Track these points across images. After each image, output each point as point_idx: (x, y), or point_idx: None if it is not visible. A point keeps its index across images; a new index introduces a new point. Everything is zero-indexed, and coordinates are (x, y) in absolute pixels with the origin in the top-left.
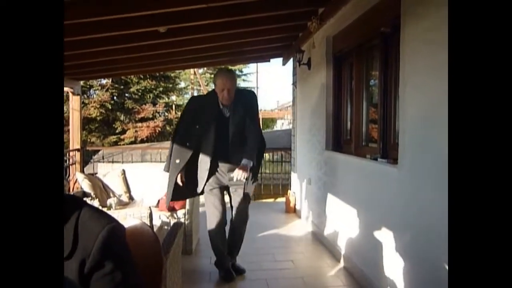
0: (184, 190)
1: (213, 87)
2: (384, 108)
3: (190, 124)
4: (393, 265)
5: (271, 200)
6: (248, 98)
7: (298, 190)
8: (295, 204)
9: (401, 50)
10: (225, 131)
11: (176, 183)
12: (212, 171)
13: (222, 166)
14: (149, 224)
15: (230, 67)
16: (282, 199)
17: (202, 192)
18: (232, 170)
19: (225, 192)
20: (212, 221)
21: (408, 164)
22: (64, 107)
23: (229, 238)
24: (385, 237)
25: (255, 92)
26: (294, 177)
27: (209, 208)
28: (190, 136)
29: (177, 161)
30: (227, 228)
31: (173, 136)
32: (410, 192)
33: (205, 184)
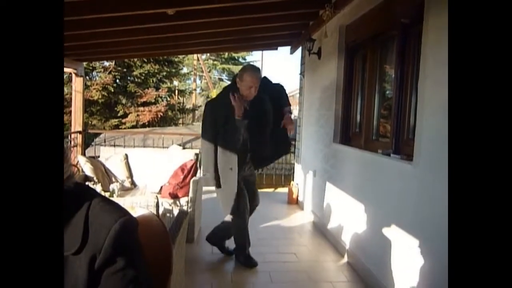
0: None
1: (213, 74)
2: (398, 102)
3: (223, 131)
4: (402, 264)
5: (271, 190)
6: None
7: (302, 181)
8: (297, 196)
9: (422, 41)
10: (250, 125)
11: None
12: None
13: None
14: (155, 213)
15: (233, 54)
16: (283, 190)
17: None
18: (249, 160)
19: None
20: (242, 210)
21: (425, 161)
22: (66, 88)
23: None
24: (395, 235)
25: None
26: (298, 168)
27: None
28: (228, 142)
29: (231, 168)
30: None
31: (209, 145)
32: (425, 190)
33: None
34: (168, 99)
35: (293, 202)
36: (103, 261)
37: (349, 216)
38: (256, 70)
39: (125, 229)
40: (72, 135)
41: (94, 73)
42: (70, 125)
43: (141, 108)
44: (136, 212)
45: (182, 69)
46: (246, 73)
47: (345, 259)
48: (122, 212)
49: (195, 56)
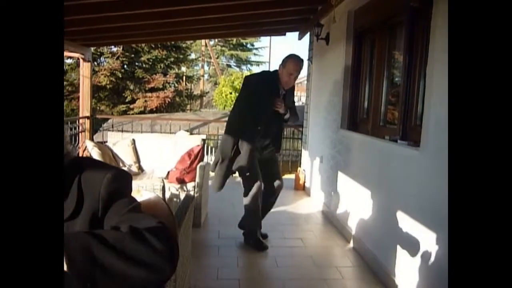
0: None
1: (221, 60)
2: (407, 88)
3: (259, 111)
4: (406, 249)
5: None
6: None
7: (309, 167)
8: (304, 182)
9: (432, 26)
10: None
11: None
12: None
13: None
14: (161, 197)
15: (242, 40)
16: (290, 176)
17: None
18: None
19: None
20: (257, 192)
21: (432, 148)
22: (74, 74)
23: (267, 207)
24: (400, 220)
25: (268, 67)
26: (305, 154)
27: (252, 180)
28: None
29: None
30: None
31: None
32: (432, 177)
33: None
34: (176, 85)
35: (300, 188)
36: (102, 210)
37: (356, 202)
38: (300, 60)
39: (117, 177)
40: (80, 121)
41: (102, 58)
42: (78, 111)
43: (148, 94)
44: (142, 196)
45: (190, 55)
46: (290, 60)
47: (351, 244)
48: (112, 166)
49: (203, 42)
